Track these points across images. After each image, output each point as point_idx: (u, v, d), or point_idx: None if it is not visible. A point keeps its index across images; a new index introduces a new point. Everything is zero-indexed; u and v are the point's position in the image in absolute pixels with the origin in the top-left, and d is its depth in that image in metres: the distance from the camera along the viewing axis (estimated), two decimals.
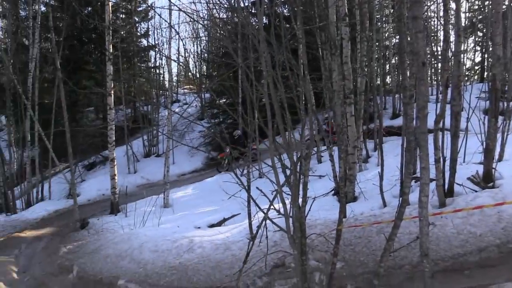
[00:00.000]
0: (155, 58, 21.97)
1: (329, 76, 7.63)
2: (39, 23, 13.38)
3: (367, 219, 5.75)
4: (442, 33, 16.64)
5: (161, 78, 23.04)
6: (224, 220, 7.99)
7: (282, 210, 3.95)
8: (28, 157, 13.27)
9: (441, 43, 12.55)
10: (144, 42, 20.89)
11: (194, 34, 25.31)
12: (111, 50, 10.58)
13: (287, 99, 4.06)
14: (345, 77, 6.96)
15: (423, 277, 3.62)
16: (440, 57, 15.49)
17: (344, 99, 6.89)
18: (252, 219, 6.16)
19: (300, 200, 4.00)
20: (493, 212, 5.04)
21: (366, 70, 9.80)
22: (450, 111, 5.89)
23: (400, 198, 4.07)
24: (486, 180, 5.85)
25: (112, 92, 10.50)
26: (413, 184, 6.09)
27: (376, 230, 5.46)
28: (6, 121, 14.87)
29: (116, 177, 10.32)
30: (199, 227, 7.64)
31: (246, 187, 5.33)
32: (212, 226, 7.75)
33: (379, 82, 15.12)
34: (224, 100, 16.28)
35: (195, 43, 27.86)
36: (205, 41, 24.89)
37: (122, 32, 18.13)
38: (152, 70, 21.68)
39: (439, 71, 17.22)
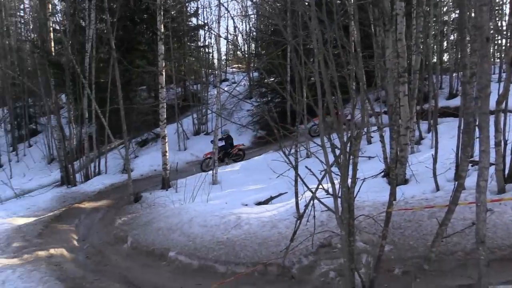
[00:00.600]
0: (204, 38, 22.23)
1: (382, 53, 7.36)
2: (94, 5, 13.89)
3: (418, 203, 5.58)
4: (508, 6, 15.48)
5: (210, 57, 23.29)
6: (271, 198, 8.05)
7: (330, 190, 3.92)
8: (86, 134, 14.06)
9: (507, 17, 11.67)
10: (194, 21, 21.15)
11: (243, 12, 25.19)
12: (162, 30, 10.79)
13: (337, 77, 3.96)
14: (399, 55, 6.68)
15: (477, 264, 3.46)
16: (505, 32, 14.40)
17: (397, 78, 6.64)
18: (299, 198, 6.16)
19: (349, 180, 3.94)
20: None
21: (421, 47, 9.34)
22: None
23: (456, 182, 3.89)
24: None
25: (164, 71, 10.77)
26: (469, 168, 5.80)
27: (427, 214, 5.29)
28: (66, 99, 15.75)
29: (167, 154, 10.69)
30: (246, 204, 7.77)
31: (294, 166, 5.32)
32: (259, 203, 7.84)
33: (435, 60, 14.36)
34: (273, 79, 16.18)
35: (244, 21, 27.76)
36: (254, 19, 24.71)
37: (173, 12, 18.38)
38: (202, 49, 21.92)
39: (503, 47, 16.03)
